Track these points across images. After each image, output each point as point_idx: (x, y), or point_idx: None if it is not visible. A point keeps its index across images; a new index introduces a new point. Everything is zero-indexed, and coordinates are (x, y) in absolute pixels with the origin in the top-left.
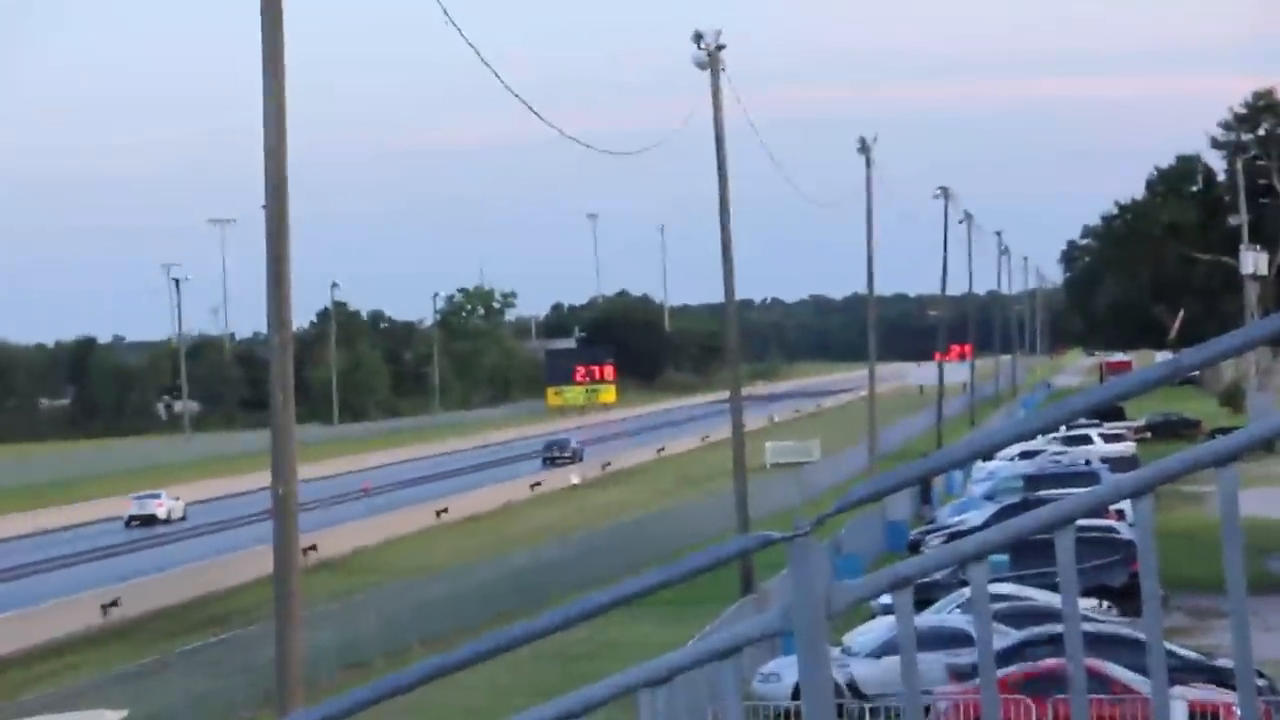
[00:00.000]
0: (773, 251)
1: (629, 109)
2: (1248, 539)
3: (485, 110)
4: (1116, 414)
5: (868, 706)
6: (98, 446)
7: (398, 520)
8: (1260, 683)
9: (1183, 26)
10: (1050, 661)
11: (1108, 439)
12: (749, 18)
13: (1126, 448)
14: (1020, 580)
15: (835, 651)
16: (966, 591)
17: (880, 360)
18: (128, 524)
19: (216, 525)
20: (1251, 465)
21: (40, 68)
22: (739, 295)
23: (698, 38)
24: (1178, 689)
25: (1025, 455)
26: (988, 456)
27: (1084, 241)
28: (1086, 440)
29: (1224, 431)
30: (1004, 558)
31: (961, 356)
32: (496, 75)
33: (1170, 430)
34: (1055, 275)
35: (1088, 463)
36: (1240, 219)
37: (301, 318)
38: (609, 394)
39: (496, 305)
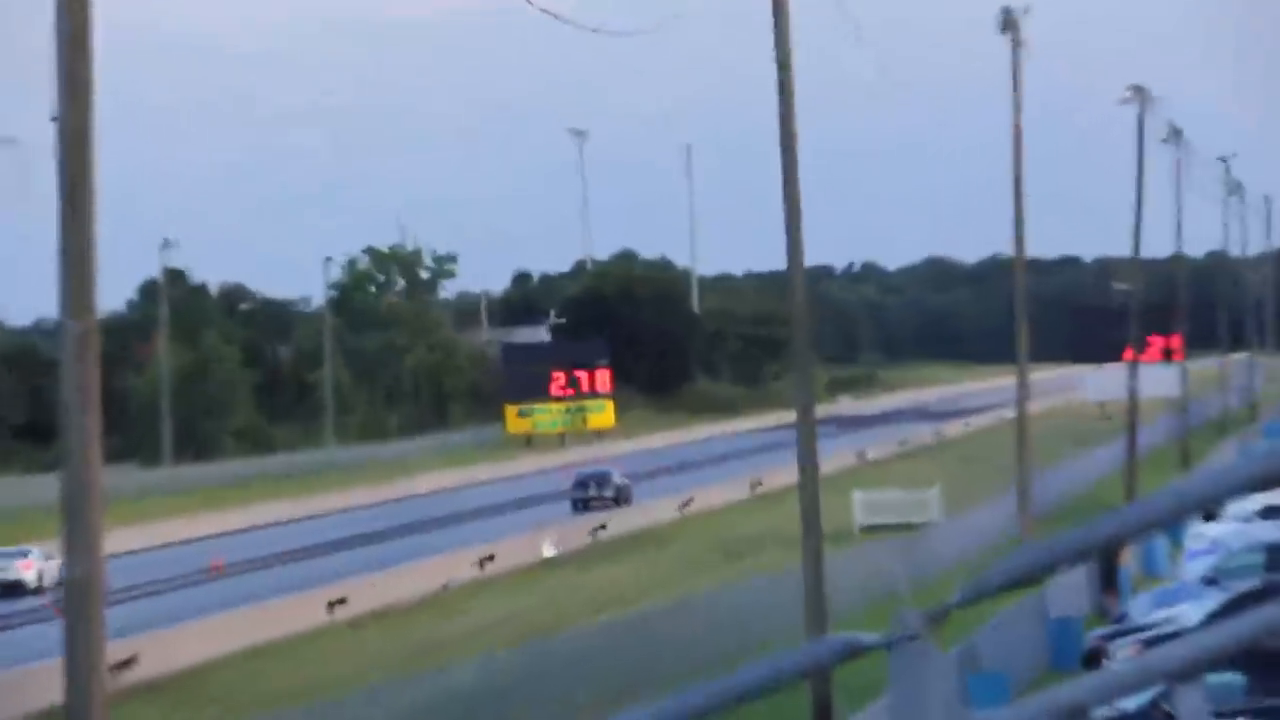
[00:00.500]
0: (864, 193)
1: None
2: None
3: None
4: None
5: None
6: None
7: (267, 617)
8: None
9: None
10: None
11: None
12: None
13: None
14: (1265, 715)
15: None
16: None
17: (1036, 361)
18: None
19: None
20: None
21: None
22: (812, 259)
23: None
24: None
25: (1271, 513)
26: (1209, 516)
27: None
28: None
29: None
30: (1238, 677)
31: (1167, 355)
32: None
33: None
34: None
35: None
36: None
37: (115, 296)
38: (604, 415)
39: (425, 274)
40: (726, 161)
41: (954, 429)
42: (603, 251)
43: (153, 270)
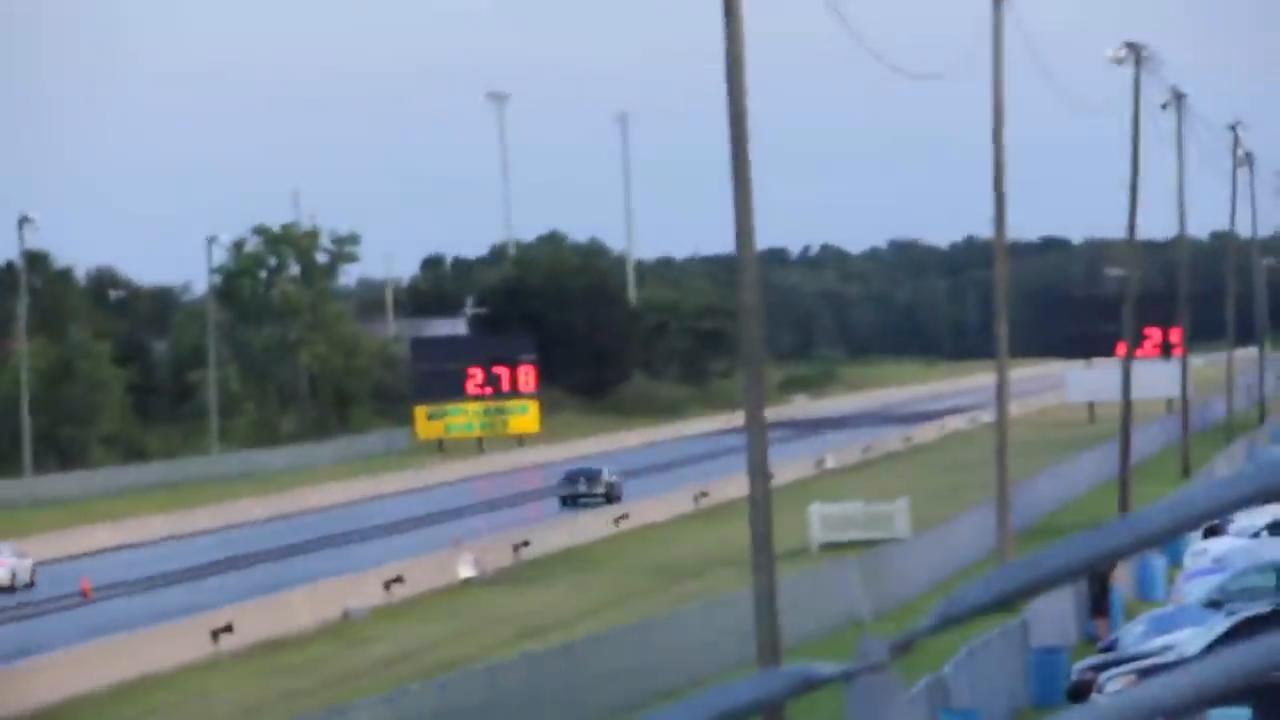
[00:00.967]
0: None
1: None
2: None
3: None
4: None
5: None
6: None
7: (140, 647)
8: None
9: None
10: None
11: None
12: None
13: None
14: None
15: None
16: None
17: (1018, 356)
18: None
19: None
20: None
21: None
22: (764, 241)
23: None
24: None
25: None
26: (1212, 531)
27: None
28: None
29: None
30: (1244, 712)
31: (1165, 350)
32: None
33: None
34: None
35: None
36: None
37: None
38: (528, 418)
39: (322, 258)
40: (666, 131)
41: (924, 433)
42: (526, 233)
43: (9, 253)
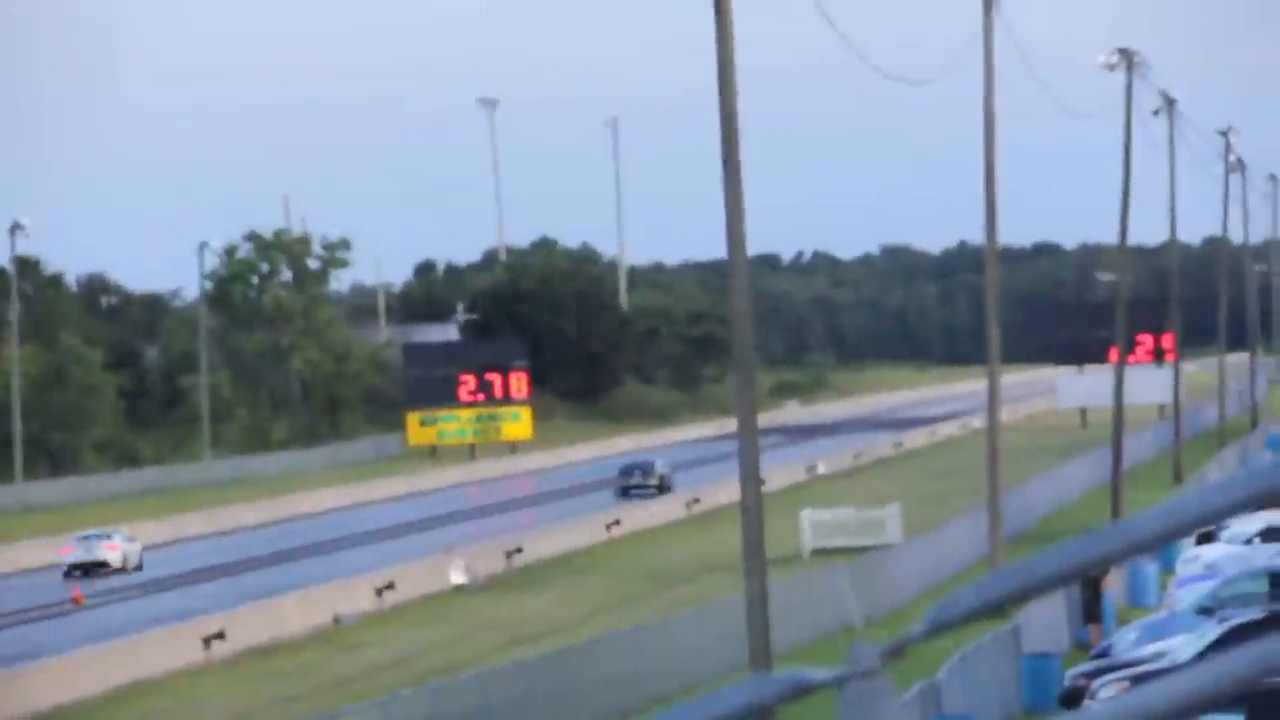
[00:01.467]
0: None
1: None
2: None
3: None
4: None
5: None
6: None
7: (132, 654)
8: None
9: None
10: None
11: None
12: None
13: None
14: None
15: None
16: None
17: (1010, 362)
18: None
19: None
20: None
21: None
22: (756, 247)
23: None
24: None
25: (1273, 535)
26: (1205, 538)
27: None
28: None
29: None
30: (1237, 719)
31: (1158, 356)
32: None
33: None
34: None
35: None
36: None
37: None
38: (520, 424)
39: (314, 264)
40: (658, 136)
41: (915, 439)
42: (518, 238)
43: (0, 259)
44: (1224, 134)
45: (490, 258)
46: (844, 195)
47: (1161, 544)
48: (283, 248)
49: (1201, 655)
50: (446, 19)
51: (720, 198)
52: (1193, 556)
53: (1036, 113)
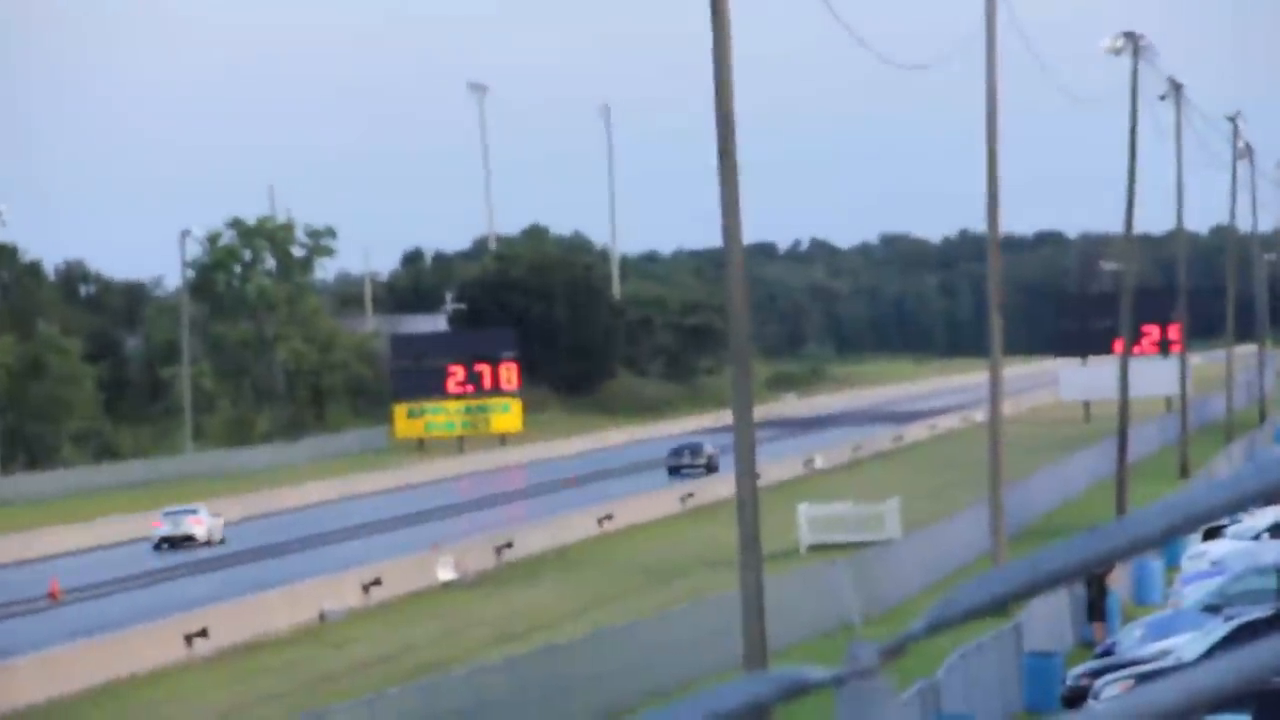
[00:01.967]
0: (814, 160)
1: None
2: None
3: None
4: None
5: None
6: None
7: (111, 651)
8: None
9: None
10: None
11: None
12: None
13: None
14: None
15: None
16: None
17: (1012, 353)
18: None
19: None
20: None
21: None
22: (752, 235)
23: None
24: None
25: None
26: (1211, 534)
27: None
28: None
29: None
30: (1244, 718)
31: (1164, 347)
32: None
33: None
34: None
35: None
36: None
37: None
38: (510, 417)
39: (299, 252)
40: (651, 124)
41: (916, 432)
42: (508, 227)
43: None
44: (1232, 120)
45: (480, 246)
46: (842, 182)
47: (1167, 540)
48: (266, 235)
49: (1208, 653)
50: (435, 7)
51: (715, 186)
52: (1199, 553)
53: (1041, 99)
